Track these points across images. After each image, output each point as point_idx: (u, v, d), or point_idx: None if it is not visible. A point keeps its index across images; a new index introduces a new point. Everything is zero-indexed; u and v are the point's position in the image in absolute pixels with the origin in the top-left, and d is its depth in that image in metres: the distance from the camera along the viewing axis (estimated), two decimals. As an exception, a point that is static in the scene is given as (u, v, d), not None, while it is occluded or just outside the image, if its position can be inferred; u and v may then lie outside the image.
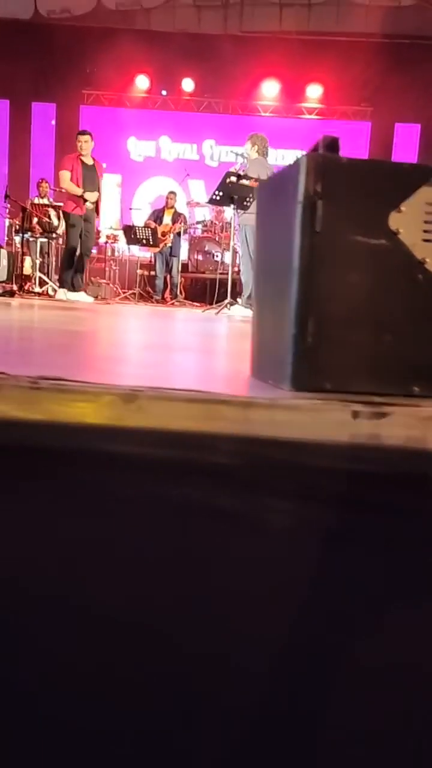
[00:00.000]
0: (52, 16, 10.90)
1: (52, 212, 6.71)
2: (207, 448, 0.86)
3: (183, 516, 0.88)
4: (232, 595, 0.88)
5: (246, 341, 1.17)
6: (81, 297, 6.03)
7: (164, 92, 10.36)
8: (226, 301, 5.46)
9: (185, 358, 1.37)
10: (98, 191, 5.92)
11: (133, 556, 0.89)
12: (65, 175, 5.93)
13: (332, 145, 0.95)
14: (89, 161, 5.93)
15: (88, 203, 5.87)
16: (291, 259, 0.95)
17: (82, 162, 5.90)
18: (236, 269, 9.40)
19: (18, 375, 0.90)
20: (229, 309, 5.47)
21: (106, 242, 8.98)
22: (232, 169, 5.45)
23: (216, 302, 6.11)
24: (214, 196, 5.22)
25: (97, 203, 5.95)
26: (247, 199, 5.37)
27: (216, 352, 1.63)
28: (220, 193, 5.21)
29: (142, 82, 10.26)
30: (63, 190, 6.11)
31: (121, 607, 0.86)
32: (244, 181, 5.23)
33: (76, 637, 0.85)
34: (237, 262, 9.51)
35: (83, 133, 5.98)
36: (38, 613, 0.86)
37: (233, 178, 5.14)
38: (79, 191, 5.85)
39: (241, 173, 5.29)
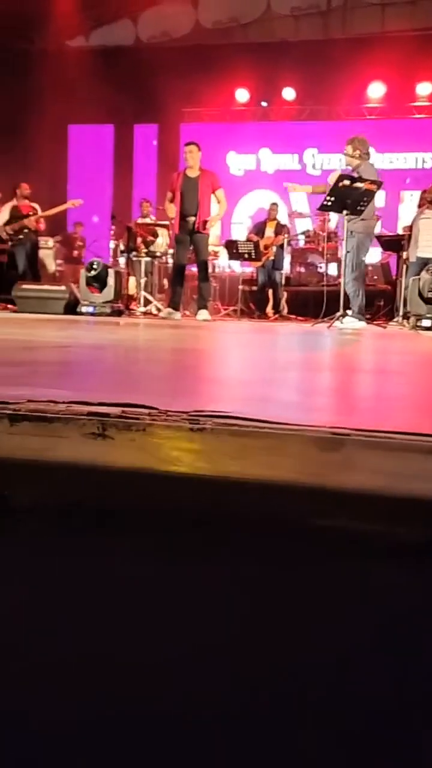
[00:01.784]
0: (153, 40, 11.15)
1: (162, 231, 6.66)
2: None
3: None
4: None
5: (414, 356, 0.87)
6: (203, 315, 5.86)
7: (264, 103, 10.22)
8: (338, 314, 5.11)
9: (382, 384, 1.08)
10: (198, 201, 5.68)
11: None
12: (167, 197, 5.89)
13: None
14: (193, 173, 5.73)
15: (188, 218, 5.71)
16: None
17: (185, 176, 5.74)
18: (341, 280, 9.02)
19: (170, 410, 0.65)
20: (341, 322, 5.11)
21: (211, 259, 8.88)
22: (336, 172, 5.15)
23: (323, 316, 5.77)
24: (325, 202, 4.90)
25: (198, 214, 5.72)
26: (361, 203, 5.01)
27: (405, 374, 1.33)
28: (332, 199, 4.87)
29: (241, 95, 10.19)
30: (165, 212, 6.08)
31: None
32: (358, 184, 4.87)
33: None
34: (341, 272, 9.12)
35: (188, 144, 5.84)
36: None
37: (346, 182, 4.79)
38: (171, 213, 5.76)
39: (354, 176, 4.94)
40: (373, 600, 0.59)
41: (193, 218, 5.70)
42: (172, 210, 5.76)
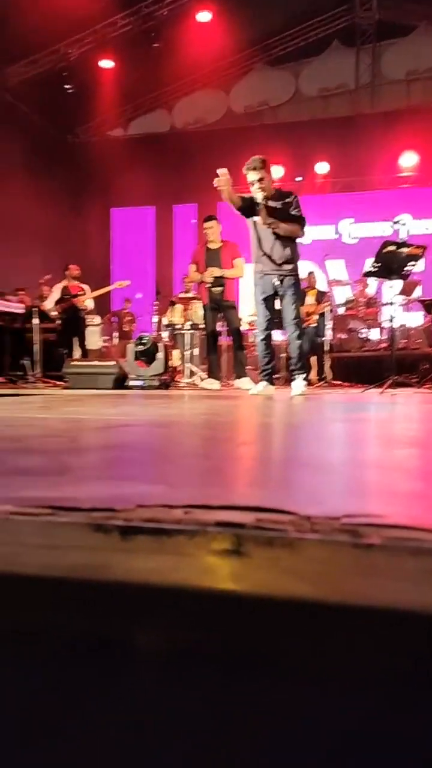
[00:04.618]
0: (188, 127, 11.78)
1: (198, 303, 6.79)
2: None
3: None
4: None
5: None
6: (243, 384, 5.77)
7: (299, 178, 10.52)
8: (391, 379, 4.96)
9: None
10: (221, 267, 5.75)
11: None
12: (191, 269, 6.02)
13: None
14: (215, 245, 5.86)
15: (213, 288, 5.75)
16: None
17: (207, 248, 5.88)
18: (384, 346, 8.90)
19: (314, 517, 0.53)
20: (394, 388, 4.96)
21: (248, 329, 8.89)
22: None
23: (370, 381, 5.68)
24: (372, 268, 4.88)
25: (226, 279, 5.77)
26: (405, 268, 4.97)
27: None
28: (378, 265, 4.85)
29: (276, 172, 10.49)
30: (192, 282, 6.19)
31: None
32: (403, 249, 4.84)
33: None
34: (383, 337, 9.01)
35: (207, 219, 5.99)
36: None
37: (391, 247, 4.78)
38: (198, 278, 5.83)
39: (399, 242, 4.92)
40: None
41: (218, 288, 5.74)
42: (197, 276, 5.88)
